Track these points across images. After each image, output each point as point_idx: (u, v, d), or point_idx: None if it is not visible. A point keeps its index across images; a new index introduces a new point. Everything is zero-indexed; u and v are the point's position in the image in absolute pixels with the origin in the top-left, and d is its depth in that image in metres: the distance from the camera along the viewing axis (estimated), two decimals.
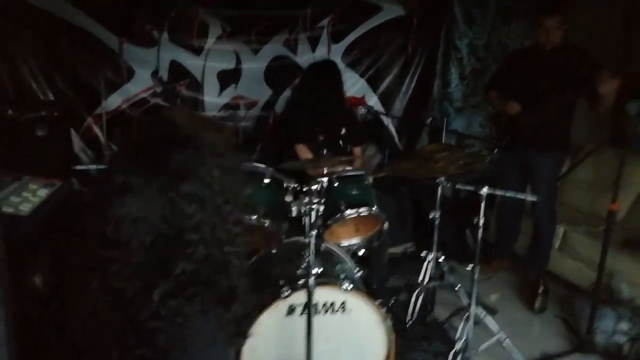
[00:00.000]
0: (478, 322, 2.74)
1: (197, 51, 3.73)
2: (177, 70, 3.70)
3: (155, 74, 3.63)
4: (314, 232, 1.89)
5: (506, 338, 2.56)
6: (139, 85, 3.65)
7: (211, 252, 0.90)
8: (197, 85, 3.78)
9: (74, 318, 0.93)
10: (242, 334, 0.99)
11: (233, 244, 0.94)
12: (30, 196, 1.93)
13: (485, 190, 2.44)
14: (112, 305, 0.87)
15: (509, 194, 2.62)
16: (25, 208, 1.86)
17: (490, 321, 2.63)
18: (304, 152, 3.07)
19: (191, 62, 3.74)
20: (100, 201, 0.87)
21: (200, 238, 0.88)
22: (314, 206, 2.08)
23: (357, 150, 3.38)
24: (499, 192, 2.63)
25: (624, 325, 2.69)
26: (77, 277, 0.93)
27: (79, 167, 3.06)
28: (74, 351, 0.94)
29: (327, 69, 3.20)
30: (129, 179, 0.86)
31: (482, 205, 2.47)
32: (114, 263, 0.85)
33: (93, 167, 3.27)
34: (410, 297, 2.92)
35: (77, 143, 3.51)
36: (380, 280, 3.06)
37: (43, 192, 2.01)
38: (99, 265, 0.86)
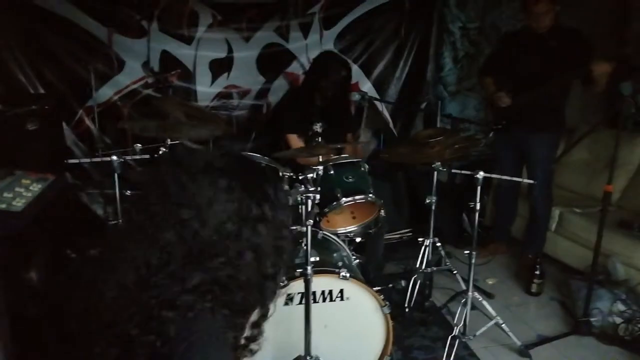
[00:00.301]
0: (475, 306, 2.76)
1: (188, 40, 3.67)
2: (168, 61, 3.64)
3: (146, 64, 3.58)
4: (310, 221, 1.88)
5: (502, 323, 2.58)
6: (130, 77, 3.60)
7: (244, 276, 0.90)
8: (188, 75, 3.73)
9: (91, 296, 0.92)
10: (247, 349, 0.99)
11: (276, 283, 0.96)
12: (23, 191, 1.91)
13: (481, 174, 2.44)
14: (137, 281, 0.86)
15: (505, 177, 2.63)
16: (19, 204, 1.84)
17: (487, 305, 2.64)
18: (295, 142, 3.06)
19: (182, 52, 3.68)
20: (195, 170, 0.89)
21: (254, 257, 0.89)
22: (310, 195, 2.08)
23: (349, 136, 3.37)
24: (494, 176, 2.63)
25: (620, 306, 2.71)
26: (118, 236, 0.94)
27: (72, 161, 3.02)
28: (80, 336, 0.93)
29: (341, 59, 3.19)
30: (228, 168, 0.91)
31: (478, 189, 2.47)
32: (190, 222, 0.86)
33: (86, 160, 3.24)
34: (408, 283, 2.93)
35: (69, 136, 3.47)
36: (378, 267, 3.07)
37: (36, 187, 1.99)
38: (172, 220, 0.87)
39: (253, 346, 0.98)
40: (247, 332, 0.97)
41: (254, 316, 0.97)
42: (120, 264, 0.88)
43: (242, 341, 0.96)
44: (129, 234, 0.90)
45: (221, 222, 0.87)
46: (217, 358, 0.87)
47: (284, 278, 1.97)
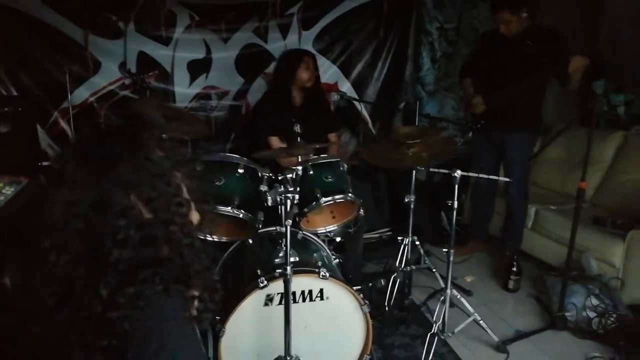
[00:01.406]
0: (454, 303, 2.80)
1: (166, 41, 3.65)
2: (146, 62, 3.61)
3: (123, 65, 3.55)
4: (289, 221, 1.88)
5: (480, 320, 2.62)
6: (107, 78, 3.56)
7: (150, 233, 0.92)
8: (166, 76, 3.71)
9: (29, 320, 0.94)
10: (209, 310, 1.00)
11: (179, 224, 0.96)
12: None
13: (458, 173, 2.47)
14: (60, 299, 0.88)
15: (482, 176, 2.67)
16: None
17: (465, 302, 2.68)
18: (276, 144, 3.06)
19: (160, 53, 3.66)
20: (40, 191, 0.92)
21: (129, 223, 0.90)
22: (289, 195, 2.08)
23: (332, 136, 3.38)
24: (472, 175, 2.67)
25: (594, 301, 2.77)
26: (26, 274, 0.96)
27: (46, 163, 2.97)
28: (35, 355, 0.94)
29: (291, 56, 3.17)
30: (65, 165, 0.90)
31: (456, 187, 2.50)
32: (52, 251, 0.88)
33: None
34: (388, 281, 2.95)
35: (43, 139, 3.41)
36: (357, 266, 3.08)
37: (9, 190, 1.95)
38: (40, 257, 0.89)
39: (204, 315, 0.99)
40: (202, 302, 0.98)
41: (203, 283, 0.98)
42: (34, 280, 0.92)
43: (195, 312, 0.97)
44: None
45: (78, 213, 0.88)
46: (180, 335, 0.88)
47: (263, 279, 1.99)
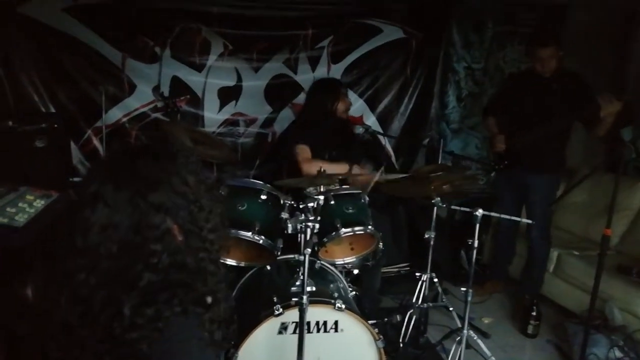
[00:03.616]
0: (470, 345, 2.73)
1: (199, 68, 3.77)
2: (178, 86, 3.74)
3: (156, 89, 3.67)
4: (308, 250, 1.89)
5: None
6: (140, 100, 3.69)
7: (180, 259, 0.93)
8: (197, 101, 3.82)
9: (50, 337, 0.94)
10: (226, 339, 1.00)
11: (207, 250, 0.98)
12: (26, 207, 1.94)
13: (480, 212, 2.46)
14: (81, 319, 0.88)
15: (504, 216, 2.64)
16: (21, 219, 1.87)
17: (482, 344, 2.62)
18: (305, 153, 3.02)
19: (192, 78, 3.78)
20: (73, 210, 0.91)
21: (164, 248, 0.91)
22: (309, 224, 2.09)
23: (355, 167, 3.38)
24: (493, 214, 2.65)
25: (617, 353, 2.68)
26: (50, 289, 0.96)
27: (77, 179, 3.06)
28: None
29: (331, 86, 3.24)
30: (101, 187, 0.90)
31: (477, 226, 2.49)
32: (81, 271, 0.88)
33: None
34: (404, 317, 2.91)
35: (75, 155, 3.53)
36: (373, 300, 3.05)
37: (39, 203, 2.01)
38: (68, 275, 0.89)
39: (221, 340, 0.99)
40: (220, 328, 0.98)
41: (222, 311, 0.98)
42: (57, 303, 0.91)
43: (218, 337, 0.97)
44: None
45: (119, 238, 0.89)
46: (199, 358, 0.88)
47: (279, 306, 1.99)
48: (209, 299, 0.96)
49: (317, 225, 2.11)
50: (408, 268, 3.84)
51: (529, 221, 2.89)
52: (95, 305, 0.88)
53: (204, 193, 0.98)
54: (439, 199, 2.71)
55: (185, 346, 0.88)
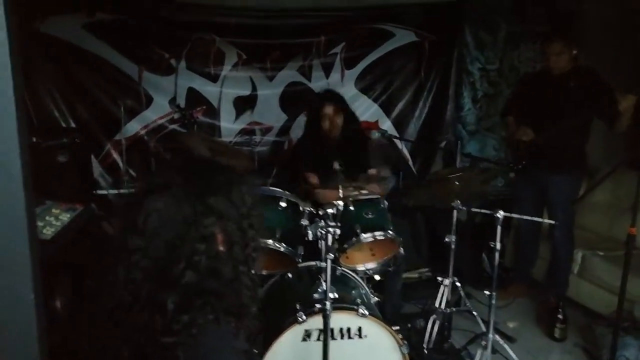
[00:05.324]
0: (496, 350, 2.69)
1: (214, 78, 3.81)
2: (194, 97, 3.78)
3: (172, 100, 3.71)
4: (331, 255, 1.89)
5: None
6: (157, 112, 3.74)
7: (217, 267, 0.96)
8: (213, 112, 3.85)
9: (79, 341, 0.98)
10: (255, 349, 1.03)
11: (248, 265, 1.01)
12: (53, 220, 1.97)
13: (501, 214, 2.43)
14: (130, 305, 0.92)
15: (525, 217, 2.61)
16: (48, 232, 1.90)
17: (509, 349, 2.58)
18: (313, 181, 3.07)
19: (208, 89, 3.82)
20: (140, 195, 0.98)
21: (205, 250, 0.95)
22: (330, 230, 2.09)
23: (371, 170, 3.38)
24: (515, 216, 2.62)
25: None
26: (105, 266, 1.00)
27: (100, 192, 3.11)
28: None
29: (330, 98, 3.15)
30: (173, 180, 0.97)
31: (499, 229, 2.46)
32: (137, 252, 0.93)
33: (114, 191, 3.33)
34: (427, 323, 2.88)
35: (96, 168, 3.58)
36: (396, 306, 3.03)
37: (65, 217, 2.05)
38: (124, 252, 0.94)
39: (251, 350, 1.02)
40: (249, 341, 1.00)
41: (253, 324, 1.01)
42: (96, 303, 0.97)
43: (248, 347, 0.99)
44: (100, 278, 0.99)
45: (170, 238, 0.93)
46: None
47: (302, 314, 1.99)
48: (241, 312, 0.97)
49: (337, 231, 2.10)
50: (429, 273, 3.81)
51: (552, 222, 2.84)
52: (141, 295, 0.92)
53: (257, 215, 1.04)
54: (458, 201, 2.69)
55: (218, 355, 0.88)
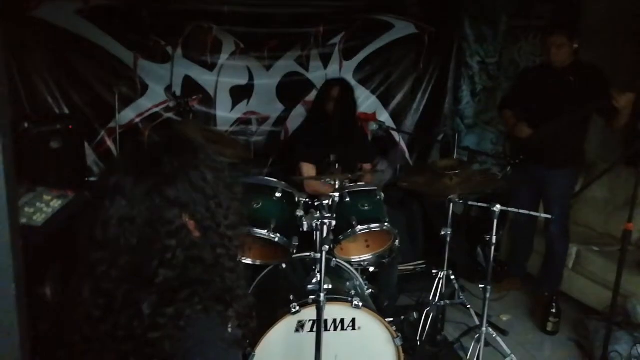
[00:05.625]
0: (489, 343, 2.69)
1: (210, 67, 3.77)
2: (190, 86, 3.73)
3: (168, 89, 3.68)
4: (326, 247, 1.87)
5: None
6: (152, 100, 3.69)
7: (196, 255, 0.92)
8: (209, 100, 3.82)
9: (68, 332, 0.94)
10: (245, 337, 0.99)
11: (226, 247, 0.96)
12: (44, 207, 1.95)
13: (498, 208, 2.42)
14: (104, 313, 0.88)
15: (523, 212, 2.60)
16: (39, 219, 1.87)
17: (501, 342, 2.58)
18: (309, 171, 3.05)
19: (204, 78, 3.78)
20: (93, 203, 0.91)
21: (178, 243, 0.90)
22: (325, 221, 2.07)
23: (366, 165, 3.37)
24: (511, 210, 2.61)
25: None
26: (72, 284, 0.95)
27: (93, 179, 3.08)
28: None
29: (340, 87, 3.21)
30: (121, 180, 0.89)
31: (495, 222, 2.45)
32: (102, 263, 0.88)
33: None
34: (421, 315, 2.88)
35: (89, 156, 3.54)
36: (390, 298, 3.02)
37: (57, 204, 2.02)
38: (89, 268, 0.89)
39: (242, 338, 0.98)
40: (240, 327, 0.97)
41: (242, 309, 0.97)
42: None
43: (239, 335, 0.96)
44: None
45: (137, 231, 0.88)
46: (222, 357, 0.87)
47: (295, 304, 1.98)
48: (228, 297, 0.94)
49: (333, 222, 2.09)
50: (424, 265, 3.80)
51: (549, 216, 2.83)
52: (117, 300, 0.88)
53: (223, 190, 0.97)
54: (455, 195, 2.68)
55: (209, 345, 0.86)
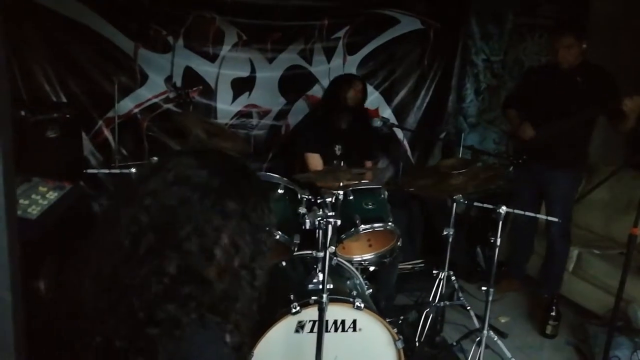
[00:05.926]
0: (487, 345, 2.67)
1: (212, 58, 3.70)
2: (191, 77, 3.66)
3: (168, 79, 3.61)
4: (332, 248, 1.83)
5: None
6: (152, 90, 3.62)
7: (213, 252, 0.89)
8: (210, 92, 3.74)
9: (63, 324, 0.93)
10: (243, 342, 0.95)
11: (252, 274, 0.95)
12: (39, 199, 1.89)
13: (503, 209, 2.38)
14: (127, 257, 0.86)
15: (528, 213, 2.56)
16: (34, 211, 1.82)
17: (502, 346, 2.55)
18: (315, 161, 3.01)
19: (205, 69, 3.70)
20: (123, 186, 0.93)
21: (214, 228, 0.88)
22: (330, 220, 2.02)
23: (368, 163, 3.33)
24: (517, 211, 2.57)
25: None
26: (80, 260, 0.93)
27: (91, 171, 3.01)
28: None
29: (343, 78, 3.19)
30: (156, 171, 0.92)
31: (500, 224, 2.41)
32: (150, 195, 0.89)
33: (105, 170, 3.23)
34: (420, 316, 2.85)
35: (86, 146, 3.47)
36: (389, 297, 2.99)
37: (53, 195, 1.97)
38: (135, 196, 0.90)
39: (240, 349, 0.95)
40: (240, 339, 0.94)
41: (243, 320, 0.94)
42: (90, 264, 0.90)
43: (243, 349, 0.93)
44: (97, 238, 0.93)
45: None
46: None
47: (296, 304, 1.94)
48: (233, 307, 0.91)
49: (338, 222, 2.04)
50: (422, 265, 3.77)
51: (553, 218, 2.80)
52: (143, 246, 0.86)
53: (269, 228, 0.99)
54: (459, 195, 2.64)
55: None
